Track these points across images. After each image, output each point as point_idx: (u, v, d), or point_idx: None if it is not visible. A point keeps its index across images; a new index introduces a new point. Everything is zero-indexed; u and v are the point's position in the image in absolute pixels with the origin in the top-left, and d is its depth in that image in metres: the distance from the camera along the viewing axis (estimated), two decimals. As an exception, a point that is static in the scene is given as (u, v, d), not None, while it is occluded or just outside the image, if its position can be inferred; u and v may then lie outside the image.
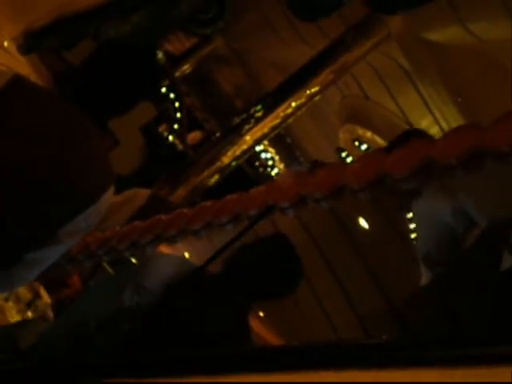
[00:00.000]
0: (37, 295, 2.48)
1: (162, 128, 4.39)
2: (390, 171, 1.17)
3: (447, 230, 1.42)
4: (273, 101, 3.91)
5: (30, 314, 2.52)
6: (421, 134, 1.89)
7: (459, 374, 0.67)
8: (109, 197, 1.54)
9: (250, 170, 5.14)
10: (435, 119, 4.09)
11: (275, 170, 5.47)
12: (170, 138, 4.37)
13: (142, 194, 1.82)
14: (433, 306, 1.34)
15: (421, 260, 1.45)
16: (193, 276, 1.51)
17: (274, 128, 3.98)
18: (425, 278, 1.52)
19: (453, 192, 1.43)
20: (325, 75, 3.86)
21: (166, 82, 4.19)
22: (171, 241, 1.46)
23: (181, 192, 3.60)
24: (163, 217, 1.49)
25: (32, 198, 1.41)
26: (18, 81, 1.48)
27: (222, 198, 1.44)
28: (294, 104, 3.91)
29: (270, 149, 5.41)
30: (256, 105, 3.94)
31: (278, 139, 5.19)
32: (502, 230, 1.30)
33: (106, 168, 1.57)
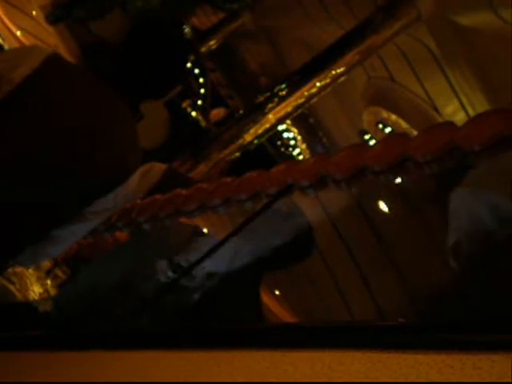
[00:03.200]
0: (57, 264, 2.51)
1: (185, 103, 4.38)
2: (413, 155, 1.16)
3: (480, 222, 1.40)
4: (297, 80, 3.89)
5: (49, 282, 2.55)
6: None
7: (472, 359, 0.67)
8: (137, 177, 1.56)
9: (271, 149, 5.14)
10: (462, 105, 4.04)
11: (297, 150, 5.45)
12: (194, 113, 4.37)
13: (158, 168, 1.83)
14: (452, 296, 1.33)
15: (449, 249, 1.43)
16: (211, 252, 1.51)
17: (297, 107, 3.96)
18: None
19: (489, 186, 1.40)
20: (351, 56, 3.82)
21: (192, 57, 4.18)
22: (190, 215, 1.47)
23: (202, 168, 3.61)
24: (183, 191, 1.50)
25: (63, 173, 1.43)
26: (53, 58, 1.49)
27: (242, 175, 1.44)
28: (318, 84, 3.88)
29: (293, 128, 5.39)
30: (281, 83, 3.91)
31: (301, 119, 5.16)
32: None
33: (136, 148, 1.58)
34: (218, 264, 1.57)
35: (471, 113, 4.00)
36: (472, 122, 1.07)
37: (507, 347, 0.64)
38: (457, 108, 4.06)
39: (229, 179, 1.46)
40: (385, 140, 1.20)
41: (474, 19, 3.51)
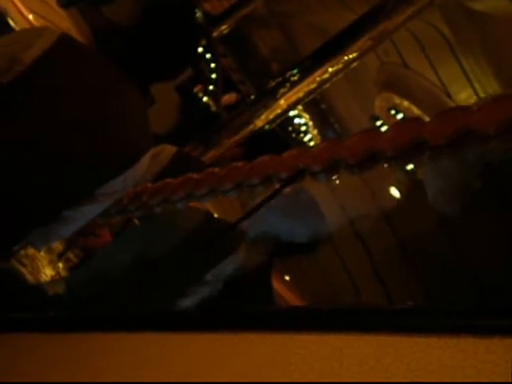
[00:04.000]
0: (69, 247, 2.53)
1: (197, 88, 4.37)
2: (426, 139, 1.15)
3: (449, 177, 1.38)
4: (309, 65, 3.86)
5: (60, 265, 2.56)
6: None
7: (486, 344, 0.67)
8: (147, 159, 1.56)
9: (282, 135, 5.12)
10: (475, 91, 4.01)
11: (308, 136, 5.43)
12: (205, 98, 4.36)
13: (169, 150, 1.82)
14: (457, 276, 1.33)
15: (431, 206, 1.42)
16: (222, 234, 1.51)
17: (309, 93, 3.93)
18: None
19: None
20: (364, 41, 3.79)
21: (204, 42, 4.16)
22: (201, 199, 1.47)
23: (213, 153, 3.61)
24: (194, 175, 1.49)
25: (73, 156, 1.43)
26: (64, 39, 1.49)
27: (254, 160, 1.44)
28: (330, 69, 3.86)
29: (305, 114, 5.36)
30: (292, 69, 3.89)
31: (312, 105, 5.14)
32: None
33: (146, 131, 1.58)
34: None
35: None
36: (487, 105, 1.06)
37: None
38: (470, 95, 4.03)
39: (240, 163, 1.45)
40: (398, 124, 1.19)
41: (488, 4, 3.47)
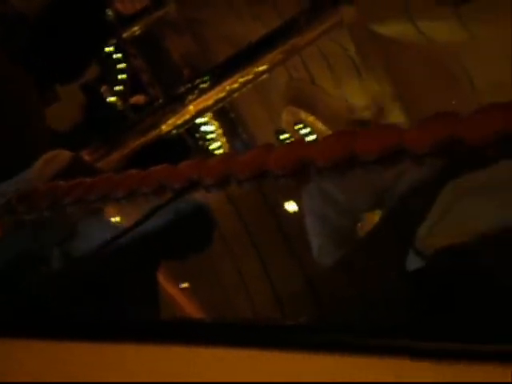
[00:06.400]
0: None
1: (103, 88, 4.30)
2: (314, 160, 1.19)
3: (329, 222, 1.39)
4: (220, 73, 3.89)
5: None
6: None
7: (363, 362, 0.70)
8: (39, 164, 1.52)
9: (190, 141, 5.12)
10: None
11: (217, 144, 5.45)
12: (112, 98, 4.29)
13: (64, 155, 1.78)
14: (346, 294, 1.36)
15: (316, 257, 1.43)
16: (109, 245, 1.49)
17: (218, 101, 3.96)
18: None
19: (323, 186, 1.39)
20: (274, 54, 3.86)
21: (113, 42, 4.11)
22: (92, 205, 1.45)
23: (115, 156, 3.55)
24: (87, 180, 1.47)
25: None
26: None
27: (149, 168, 1.44)
28: (241, 79, 3.90)
29: (214, 122, 5.38)
30: (202, 76, 3.90)
31: (222, 113, 5.16)
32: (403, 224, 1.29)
33: (42, 134, 1.55)
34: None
35: (386, 120, 4.11)
36: (370, 132, 1.10)
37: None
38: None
39: (135, 171, 1.45)
40: (288, 144, 1.22)
41: (394, 30, 3.61)
